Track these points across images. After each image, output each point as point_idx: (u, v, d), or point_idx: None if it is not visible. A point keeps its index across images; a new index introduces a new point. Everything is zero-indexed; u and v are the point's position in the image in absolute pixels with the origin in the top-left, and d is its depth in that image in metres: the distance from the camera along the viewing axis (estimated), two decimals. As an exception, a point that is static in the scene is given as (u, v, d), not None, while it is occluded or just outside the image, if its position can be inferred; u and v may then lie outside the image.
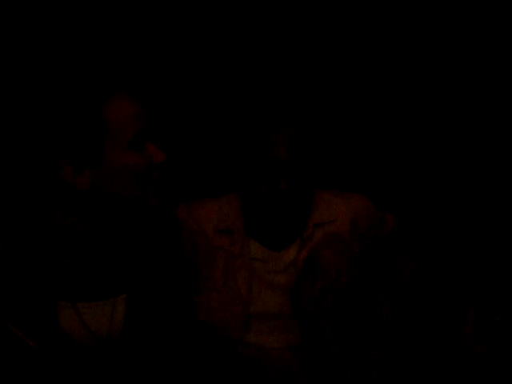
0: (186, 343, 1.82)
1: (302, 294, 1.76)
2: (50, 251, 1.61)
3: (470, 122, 1.83)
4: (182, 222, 2.06)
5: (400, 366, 1.62)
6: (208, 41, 2.63)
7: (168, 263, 1.72)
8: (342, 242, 1.84)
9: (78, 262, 1.63)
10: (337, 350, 1.68)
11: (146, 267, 1.68)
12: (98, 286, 1.64)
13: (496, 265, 1.58)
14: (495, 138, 1.91)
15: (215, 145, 2.62)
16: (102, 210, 1.60)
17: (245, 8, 2.61)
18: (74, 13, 2.51)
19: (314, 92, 2.66)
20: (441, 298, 1.60)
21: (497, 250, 1.60)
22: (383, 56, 2.62)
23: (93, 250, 1.63)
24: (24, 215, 1.61)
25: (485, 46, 2.54)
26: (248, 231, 2.07)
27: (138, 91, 1.61)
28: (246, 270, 2.04)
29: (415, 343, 1.62)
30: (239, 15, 2.62)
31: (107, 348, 1.65)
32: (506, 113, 2.28)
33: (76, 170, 1.55)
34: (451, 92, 2.51)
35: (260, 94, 2.61)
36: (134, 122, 1.56)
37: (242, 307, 2.01)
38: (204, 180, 2.64)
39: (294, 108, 2.03)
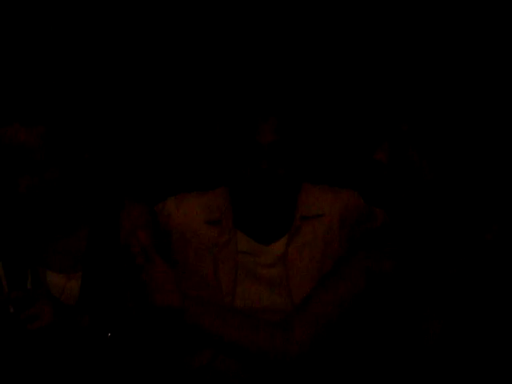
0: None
1: None
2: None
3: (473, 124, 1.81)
4: (171, 215, 2.08)
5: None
6: (194, 31, 2.63)
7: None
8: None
9: (42, 233, 1.86)
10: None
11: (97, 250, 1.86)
12: (55, 257, 1.85)
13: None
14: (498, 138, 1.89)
15: (205, 138, 2.61)
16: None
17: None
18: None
19: (314, 88, 2.66)
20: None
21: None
22: (381, 50, 2.61)
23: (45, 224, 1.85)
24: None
25: (485, 46, 2.53)
26: (236, 223, 2.06)
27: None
28: (230, 263, 2.02)
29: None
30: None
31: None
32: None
33: None
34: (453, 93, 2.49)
35: (249, 81, 2.61)
36: None
37: (224, 301, 1.99)
38: (193, 174, 2.64)
39: (283, 96, 2.03)
